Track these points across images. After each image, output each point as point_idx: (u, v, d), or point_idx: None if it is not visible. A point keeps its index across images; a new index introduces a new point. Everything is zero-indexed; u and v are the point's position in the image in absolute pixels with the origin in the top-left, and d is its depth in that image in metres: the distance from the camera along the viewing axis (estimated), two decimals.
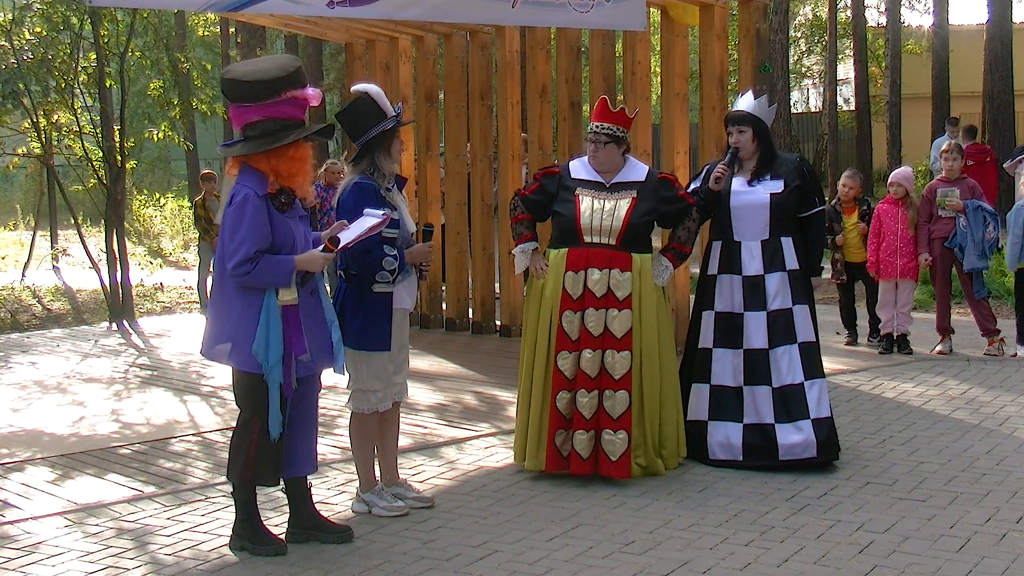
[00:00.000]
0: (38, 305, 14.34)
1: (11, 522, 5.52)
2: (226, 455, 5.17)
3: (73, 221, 14.33)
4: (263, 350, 4.77)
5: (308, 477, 5.22)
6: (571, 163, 6.33)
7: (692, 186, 6.58)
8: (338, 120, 5.54)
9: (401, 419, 5.85)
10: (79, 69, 12.48)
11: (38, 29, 12.24)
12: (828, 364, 7.14)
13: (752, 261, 6.33)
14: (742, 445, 6.23)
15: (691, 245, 6.30)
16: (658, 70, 10.42)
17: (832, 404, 6.35)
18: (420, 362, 9.10)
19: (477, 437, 7.02)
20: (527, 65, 10.61)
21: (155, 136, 13.99)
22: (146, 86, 15.41)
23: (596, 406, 5.93)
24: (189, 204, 21.20)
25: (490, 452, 6.68)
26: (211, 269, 11.41)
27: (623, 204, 6.02)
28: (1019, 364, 8.94)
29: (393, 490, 5.62)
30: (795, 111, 33.30)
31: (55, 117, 12.93)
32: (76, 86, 12.55)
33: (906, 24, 32.58)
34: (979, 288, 9.29)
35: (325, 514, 5.31)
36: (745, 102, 6.56)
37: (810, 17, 36.44)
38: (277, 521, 5.32)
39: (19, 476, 6.41)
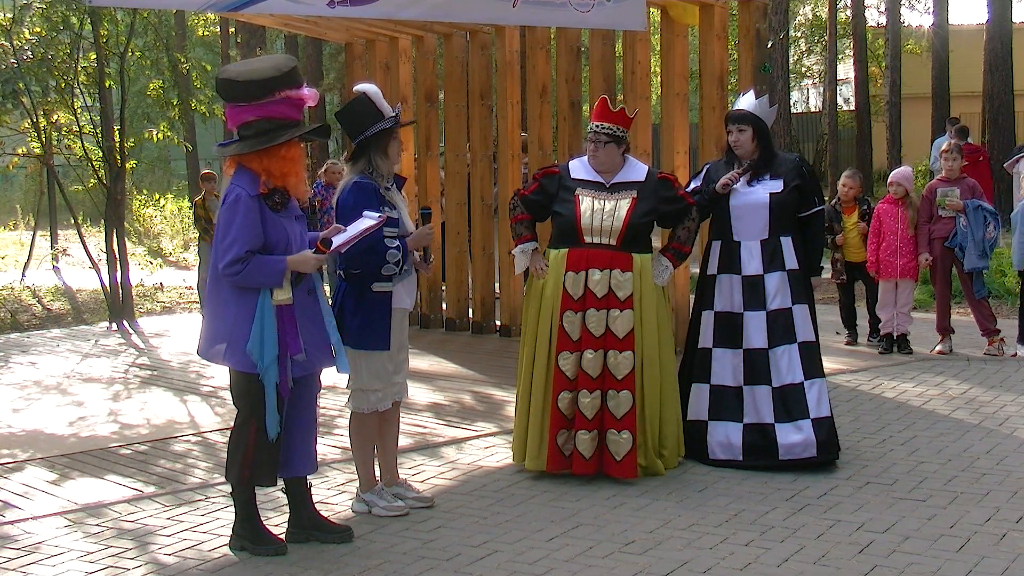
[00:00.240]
0: (38, 305, 14.34)
1: (11, 522, 5.52)
2: (226, 455, 5.17)
3: (73, 221, 14.33)
4: (258, 350, 4.78)
5: (308, 477, 5.22)
6: (571, 163, 6.33)
7: (692, 185, 6.59)
8: (337, 119, 5.55)
9: (401, 419, 5.84)
10: (79, 69, 12.48)
11: (37, 29, 12.25)
12: (828, 364, 7.14)
13: (752, 261, 6.33)
14: (742, 445, 6.23)
15: (691, 245, 6.30)
16: (658, 70, 10.42)
17: (832, 404, 6.35)
18: (420, 362, 9.10)
19: (477, 437, 7.02)
20: (527, 65, 10.61)
21: (155, 136, 13.99)
22: (146, 86, 15.39)
23: (598, 406, 5.94)
24: (189, 204, 21.21)
25: (490, 452, 6.68)
26: None
27: (623, 204, 6.02)
28: (1019, 364, 8.94)
29: (393, 490, 5.62)
30: (795, 111, 33.31)
31: (55, 117, 12.93)
32: (76, 86, 12.55)
33: (906, 24, 32.57)
34: (979, 288, 9.29)
35: (325, 514, 5.32)
36: (746, 101, 6.56)
37: (810, 17, 36.44)
38: (277, 521, 5.32)
39: (19, 476, 6.41)
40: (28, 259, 17.30)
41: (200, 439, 7.17)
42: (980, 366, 8.89)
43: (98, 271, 12.78)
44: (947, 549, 4.95)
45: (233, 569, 4.89)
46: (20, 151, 14.30)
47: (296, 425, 5.06)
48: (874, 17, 34.36)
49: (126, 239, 13.34)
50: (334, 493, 5.90)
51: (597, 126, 6.07)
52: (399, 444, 5.85)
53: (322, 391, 5.32)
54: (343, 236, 5.02)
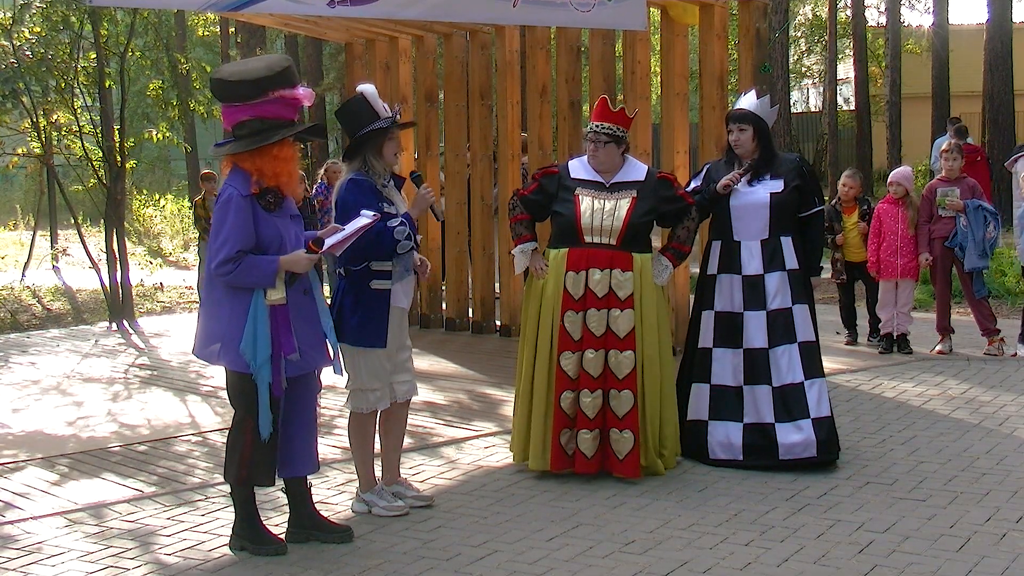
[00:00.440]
0: (38, 305, 14.34)
1: (11, 522, 5.52)
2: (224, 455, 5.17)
3: (73, 221, 14.33)
4: (251, 350, 4.78)
5: (308, 477, 5.22)
6: (570, 163, 6.33)
7: (692, 185, 6.59)
8: (336, 118, 5.57)
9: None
10: (79, 69, 12.48)
11: (36, 29, 12.24)
12: (828, 364, 7.14)
13: (752, 260, 6.33)
14: (742, 445, 6.23)
15: (690, 244, 6.30)
16: (658, 70, 10.42)
17: (832, 404, 6.35)
18: (420, 362, 9.06)
19: (477, 437, 7.03)
20: (527, 65, 10.61)
21: (155, 137, 13.99)
22: (146, 86, 15.40)
23: (600, 405, 5.94)
24: (189, 204, 21.20)
25: (490, 452, 6.68)
26: None
27: (623, 204, 6.02)
28: (1019, 364, 8.94)
29: (393, 488, 5.62)
30: (795, 111, 33.31)
31: (55, 117, 12.93)
32: (76, 86, 12.55)
33: (906, 24, 32.57)
34: (979, 288, 9.29)
35: (325, 514, 5.32)
36: (747, 101, 6.56)
37: (810, 17, 36.44)
38: (277, 521, 5.33)
39: (19, 476, 6.41)
40: (28, 259, 17.30)
41: (200, 439, 7.17)
42: (980, 366, 8.89)
43: (98, 271, 12.78)
44: (947, 549, 4.95)
45: (233, 569, 4.89)
46: (20, 151, 14.30)
47: (295, 425, 5.06)
48: (874, 17, 34.39)
49: (126, 239, 13.34)
50: (334, 493, 5.90)
51: (597, 126, 6.07)
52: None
53: (322, 391, 5.32)
54: (337, 236, 5.02)
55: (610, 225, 5.98)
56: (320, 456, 5.38)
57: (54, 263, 17.80)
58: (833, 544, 5.04)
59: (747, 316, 6.30)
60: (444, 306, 11.39)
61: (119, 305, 12.33)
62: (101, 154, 12.86)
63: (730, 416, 6.29)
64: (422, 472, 6.25)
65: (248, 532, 5.03)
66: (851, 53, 30.51)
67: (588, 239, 6.01)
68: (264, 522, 5.14)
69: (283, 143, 4.91)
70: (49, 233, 18.82)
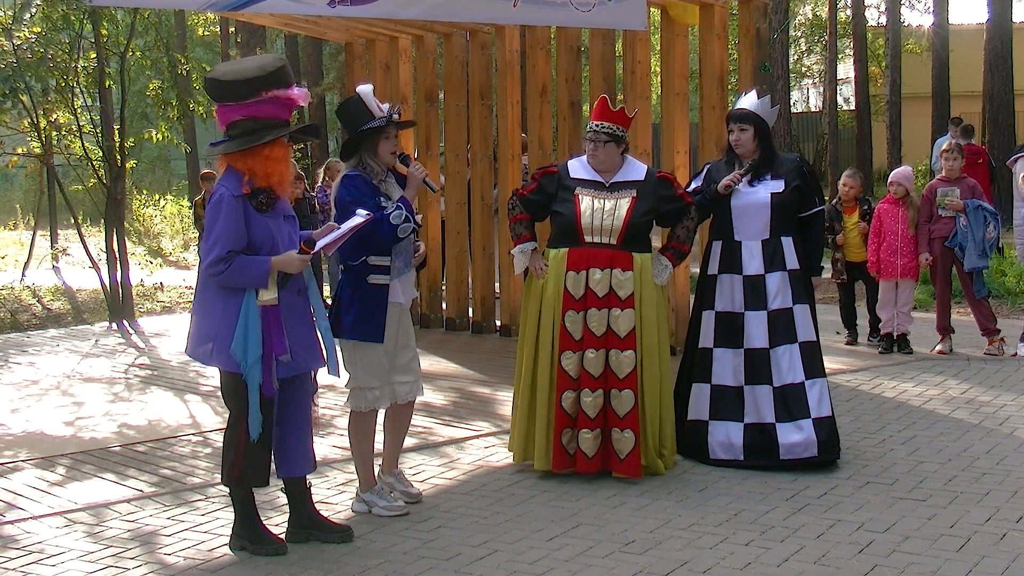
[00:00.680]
0: (38, 305, 14.34)
1: (11, 522, 5.52)
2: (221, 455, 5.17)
3: (73, 221, 14.33)
4: (241, 350, 4.78)
5: (307, 477, 5.22)
6: (569, 162, 6.32)
7: (692, 185, 6.59)
8: (337, 116, 5.59)
9: None
10: (79, 68, 12.48)
11: (36, 28, 12.24)
12: (828, 364, 7.12)
13: (752, 260, 6.33)
14: (743, 445, 6.22)
15: (690, 244, 6.30)
16: (658, 70, 10.42)
17: (832, 404, 6.35)
18: (420, 362, 9.06)
19: (477, 437, 7.03)
20: (527, 65, 10.60)
21: (154, 137, 13.99)
22: (146, 86, 15.39)
23: (601, 405, 5.94)
24: (189, 204, 21.20)
25: (490, 452, 6.68)
26: None
27: (623, 203, 6.02)
28: (1019, 364, 8.94)
29: (387, 478, 5.63)
30: (795, 111, 33.30)
31: (55, 116, 12.93)
32: (76, 85, 12.55)
33: (906, 24, 32.58)
34: (979, 287, 9.29)
35: (325, 514, 5.32)
36: (748, 101, 6.56)
37: (810, 17, 36.44)
38: (277, 521, 5.33)
39: (19, 476, 6.41)
40: (28, 259, 17.30)
41: (200, 439, 7.17)
42: (980, 366, 8.89)
43: (98, 271, 12.77)
44: (947, 549, 4.95)
45: (233, 569, 4.89)
46: (20, 151, 14.29)
47: (290, 425, 5.05)
48: (874, 17, 34.40)
49: (126, 239, 13.34)
50: (334, 493, 5.90)
51: (597, 125, 6.07)
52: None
53: (322, 391, 5.31)
54: (329, 237, 5.02)
55: (610, 225, 5.98)
56: (320, 456, 5.39)
57: (54, 263, 17.79)
58: (833, 544, 5.04)
59: (748, 316, 6.30)
60: (444, 306, 11.39)
61: (119, 305, 12.33)
62: (101, 154, 12.85)
63: (731, 416, 6.28)
64: (422, 472, 6.25)
65: (248, 532, 5.03)
66: (851, 53, 30.52)
67: (588, 239, 6.01)
68: (264, 522, 5.14)
69: (275, 143, 4.90)
70: (49, 233, 18.82)
